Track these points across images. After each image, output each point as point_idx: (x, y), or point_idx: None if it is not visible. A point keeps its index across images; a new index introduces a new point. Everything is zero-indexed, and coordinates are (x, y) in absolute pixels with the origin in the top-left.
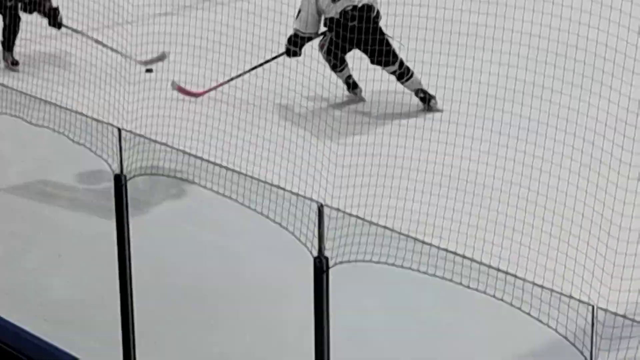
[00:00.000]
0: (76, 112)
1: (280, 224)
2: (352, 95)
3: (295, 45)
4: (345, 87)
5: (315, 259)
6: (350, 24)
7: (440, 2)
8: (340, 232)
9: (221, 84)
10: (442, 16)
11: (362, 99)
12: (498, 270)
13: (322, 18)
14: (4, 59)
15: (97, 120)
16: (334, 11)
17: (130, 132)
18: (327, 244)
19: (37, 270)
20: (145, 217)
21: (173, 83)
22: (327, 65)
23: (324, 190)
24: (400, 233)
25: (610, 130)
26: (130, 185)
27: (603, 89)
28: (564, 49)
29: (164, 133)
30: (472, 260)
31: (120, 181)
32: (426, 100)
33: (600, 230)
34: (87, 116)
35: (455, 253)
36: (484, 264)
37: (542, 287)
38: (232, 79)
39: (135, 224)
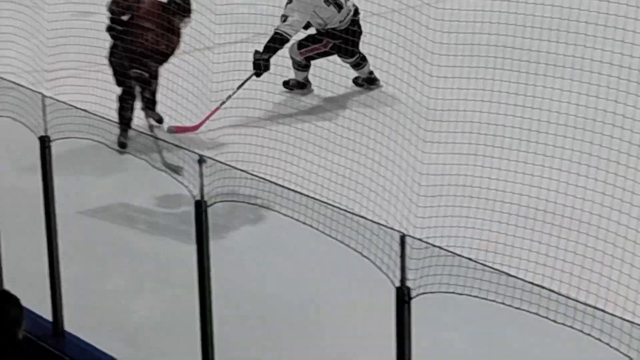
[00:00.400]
0: (157, 138)
1: (361, 253)
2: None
3: (274, 50)
4: (291, 84)
5: (397, 289)
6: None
7: (511, 30)
8: (423, 263)
9: (214, 111)
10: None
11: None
12: (585, 304)
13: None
14: (148, 116)
15: (177, 146)
16: (337, 21)
17: (211, 158)
18: (410, 275)
19: (118, 293)
20: (223, 242)
21: (169, 128)
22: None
23: (406, 220)
24: (483, 264)
25: None
26: (209, 209)
27: None
28: None
29: (243, 159)
30: (558, 293)
31: (200, 207)
32: (373, 81)
33: None
34: (167, 142)
35: (540, 286)
36: (570, 298)
37: (632, 323)
38: (223, 102)
39: (213, 248)
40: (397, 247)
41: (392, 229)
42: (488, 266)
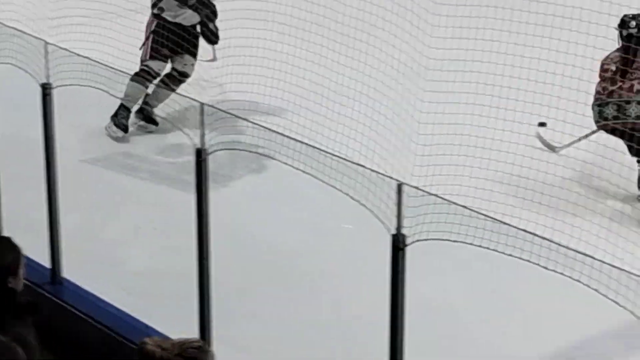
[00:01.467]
0: (160, 86)
1: (359, 202)
2: None
3: None
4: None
5: (393, 236)
6: None
7: None
8: (419, 211)
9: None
10: None
11: None
12: (576, 251)
13: None
14: None
15: (180, 95)
16: None
17: (212, 107)
18: (406, 222)
19: (117, 241)
20: (225, 190)
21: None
22: None
23: (404, 168)
24: (478, 212)
25: None
26: (211, 159)
27: None
28: None
29: (245, 108)
30: (550, 240)
31: (201, 155)
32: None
33: None
34: (172, 91)
35: (533, 234)
36: (562, 245)
37: (619, 269)
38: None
39: (215, 197)
40: (394, 195)
41: (390, 177)
42: (482, 214)
